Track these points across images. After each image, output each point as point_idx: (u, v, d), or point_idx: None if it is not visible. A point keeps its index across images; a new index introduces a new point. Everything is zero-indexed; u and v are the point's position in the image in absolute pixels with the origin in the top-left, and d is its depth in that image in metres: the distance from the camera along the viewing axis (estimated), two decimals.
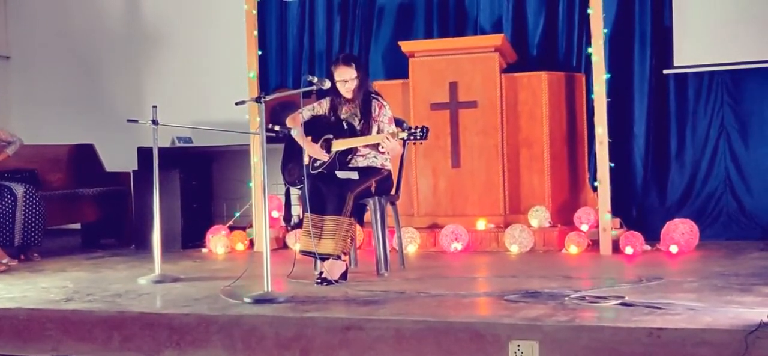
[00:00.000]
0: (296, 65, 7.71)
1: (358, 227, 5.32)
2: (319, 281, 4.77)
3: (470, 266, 5.54)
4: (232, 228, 6.75)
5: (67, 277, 5.43)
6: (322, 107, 5.26)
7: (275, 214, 6.59)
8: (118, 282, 5.15)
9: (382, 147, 4.95)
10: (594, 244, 5.99)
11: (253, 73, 6.65)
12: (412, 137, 4.90)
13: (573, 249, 5.93)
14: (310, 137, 5.16)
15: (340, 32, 7.53)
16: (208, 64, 8.19)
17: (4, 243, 6.05)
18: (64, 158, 7.51)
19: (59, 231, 7.60)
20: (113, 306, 4.33)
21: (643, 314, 3.68)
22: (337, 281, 4.77)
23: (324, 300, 4.32)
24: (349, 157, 5.10)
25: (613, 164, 6.00)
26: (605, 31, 5.97)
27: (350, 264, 5.13)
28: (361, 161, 5.15)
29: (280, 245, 6.64)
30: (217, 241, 6.51)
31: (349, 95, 5.13)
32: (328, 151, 5.10)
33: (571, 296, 4.11)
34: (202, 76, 8.21)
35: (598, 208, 5.95)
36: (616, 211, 6.13)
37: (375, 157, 5.15)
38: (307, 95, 4.96)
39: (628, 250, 5.73)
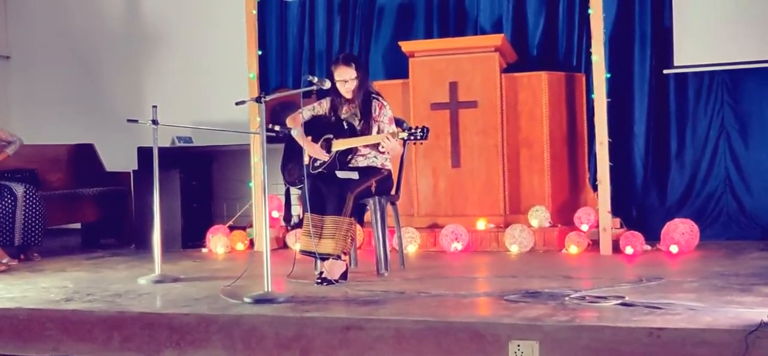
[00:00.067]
0: (296, 65, 7.71)
1: (358, 227, 5.32)
2: (319, 281, 4.77)
3: (470, 266, 5.54)
4: (232, 228, 6.75)
5: (67, 277, 5.43)
6: (322, 106, 5.26)
7: (275, 214, 6.59)
8: (118, 282, 5.15)
9: (382, 147, 4.95)
10: (594, 244, 5.99)
11: (253, 73, 6.65)
12: (412, 137, 4.90)
13: (573, 249, 5.93)
14: (310, 137, 5.16)
15: (340, 32, 7.53)
16: (208, 64, 8.19)
17: (4, 243, 6.05)
18: (64, 158, 7.51)
19: (59, 231, 7.60)
20: (113, 305, 4.33)
21: (643, 314, 3.68)
22: (337, 281, 4.77)
23: (324, 299, 4.32)
24: (349, 157, 5.10)
25: (613, 164, 6.00)
26: (605, 31, 5.97)
27: (350, 264, 5.13)
28: (361, 161, 5.15)
29: (280, 245, 6.64)
30: (217, 241, 6.51)
31: (349, 95, 5.13)
32: (328, 151, 5.10)
33: (572, 296, 4.11)
34: (202, 76, 8.21)
35: (598, 208, 5.95)
36: (616, 211, 6.13)
37: (375, 157, 5.15)
38: (307, 94, 4.96)
39: (629, 250, 5.73)
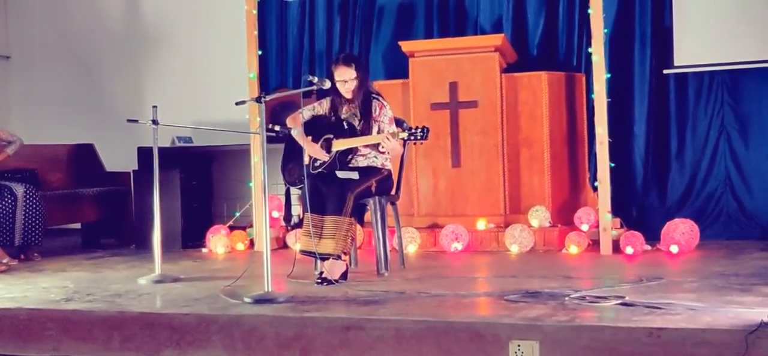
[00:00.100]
0: (296, 65, 7.71)
1: (358, 227, 5.32)
2: (320, 281, 4.77)
3: (470, 266, 5.54)
4: (232, 228, 6.75)
5: (68, 277, 5.43)
6: (322, 106, 5.26)
7: (275, 214, 6.59)
8: (118, 282, 5.15)
9: (383, 147, 4.95)
10: (594, 244, 5.99)
11: (253, 73, 6.65)
12: (412, 137, 4.90)
13: (573, 249, 5.93)
14: (310, 137, 5.16)
15: (340, 32, 7.53)
16: (208, 64, 8.19)
17: (5, 243, 6.05)
18: (64, 158, 7.51)
19: (59, 231, 7.60)
20: (113, 305, 4.33)
21: (644, 314, 3.68)
22: (337, 281, 4.77)
23: (324, 299, 4.32)
24: (350, 157, 5.10)
25: (613, 164, 6.00)
26: (605, 31, 5.97)
27: (350, 264, 5.13)
28: (361, 161, 5.15)
29: (281, 245, 6.64)
30: (218, 241, 6.51)
31: (348, 95, 5.13)
32: (329, 151, 5.10)
33: (572, 296, 4.11)
34: (202, 76, 8.21)
35: (599, 208, 5.95)
36: (616, 211, 6.13)
37: (375, 157, 5.15)
38: (307, 94, 4.97)
39: (629, 250, 5.73)
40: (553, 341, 3.47)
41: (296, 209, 6.03)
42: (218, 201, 7.26)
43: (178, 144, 7.46)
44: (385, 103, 5.16)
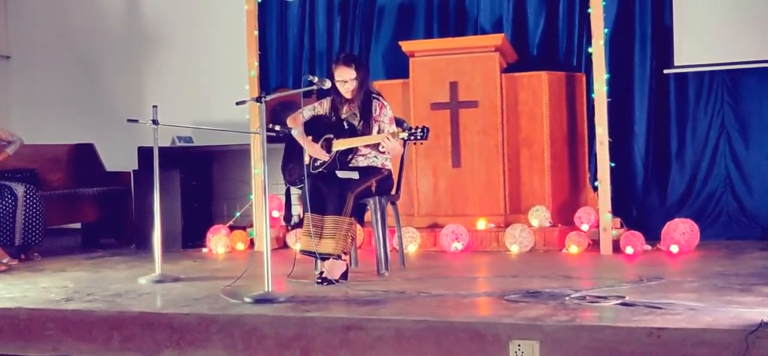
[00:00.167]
0: (296, 65, 7.71)
1: (358, 226, 5.32)
2: (320, 281, 4.77)
3: (471, 266, 5.54)
4: (232, 228, 6.75)
5: (68, 277, 5.43)
6: (322, 106, 5.26)
7: (276, 214, 6.59)
8: (118, 282, 5.15)
9: (383, 147, 4.95)
10: (594, 244, 5.99)
11: (254, 72, 6.65)
12: (412, 137, 4.90)
13: (573, 249, 5.93)
14: (310, 137, 5.16)
15: (340, 32, 7.53)
16: (208, 64, 8.19)
17: (5, 243, 6.05)
18: (64, 158, 7.51)
19: (59, 231, 7.60)
20: (113, 305, 4.33)
21: (644, 314, 3.68)
22: (337, 281, 4.77)
23: (324, 299, 4.32)
24: (350, 157, 5.10)
25: (613, 164, 6.00)
26: (605, 30, 5.97)
27: (350, 264, 5.13)
28: (361, 161, 5.15)
29: (281, 244, 6.64)
30: (218, 241, 6.51)
31: (348, 96, 5.13)
32: (329, 151, 5.10)
33: (572, 296, 4.11)
34: (202, 76, 8.21)
35: (599, 208, 5.95)
36: (616, 211, 6.13)
37: (375, 157, 5.15)
38: (307, 94, 4.97)
39: (629, 250, 5.73)
40: (553, 341, 3.47)
41: (296, 209, 6.02)
42: (218, 201, 7.26)
43: (178, 144, 7.46)
44: (386, 103, 5.16)
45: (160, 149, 5.45)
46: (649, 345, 3.35)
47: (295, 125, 5.19)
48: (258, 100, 4.57)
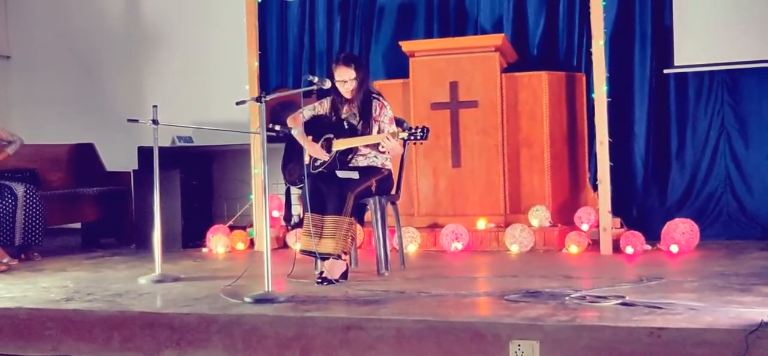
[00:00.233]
0: (296, 65, 7.71)
1: (358, 226, 5.32)
2: (320, 280, 4.77)
3: (471, 265, 5.54)
4: (232, 228, 6.75)
5: (68, 277, 5.43)
6: (322, 106, 5.26)
7: (276, 213, 6.59)
8: (118, 282, 5.15)
9: (383, 147, 4.95)
10: (594, 244, 5.99)
11: (254, 72, 6.65)
12: (412, 137, 4.90)
13: (573, 249, 5.93)
14: (310, 137, 5.16)
15: (340, 32, 7.53)
16: (208, 64, 8.19)
17: (5, 243, 6.05)
18: (64, 158, 7.51)
19: (59, 231, 7.60)
20: (113, 305, 4.33)
21: (644, 314, 3.68)
22: (337, 280, 4.77)
23: (324, 299, 4.32)
24: (350, 156, 5.10)
25: (613, 164, 6.00)
26: (605, 31, 5.97)
27: (350, 264, 5.13)
28: (361, 161, 5.15)
29: (281, 244, 6.64)
30: (218, 241, 6.51)
31: (348, 95, 5.13)
32: (329, 150, 5.11)
33: (572, 295, 4.11)
34: (202, 76, 8.22)
35: (599, 208, 5.95)
36: (616, 211, 6.13)
37: (375, 157, 5.15)
38: (307, 94, 4.97)
39: (629, 250, 5.74)
40: (553, 341, 3.47)
41: (296, 209, 6.03)
42: (218, 201, 7.26)
43: (178, 144, 7.46)
44: (386, 103, 5.16)
45: (160, 149, 5.46)
46: (649, 345, 3.35)
47: (295, 124, 5.19)
48: (258, 100, 4.57)
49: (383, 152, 5.08)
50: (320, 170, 5.11)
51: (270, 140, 4.68)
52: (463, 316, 3.80)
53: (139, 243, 6.80)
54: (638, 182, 6.76)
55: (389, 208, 5.25)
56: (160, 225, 5.31)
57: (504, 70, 6.52)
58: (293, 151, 5.24)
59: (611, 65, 6.47)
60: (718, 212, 6.58)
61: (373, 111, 5.09)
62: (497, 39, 6.40)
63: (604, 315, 3.71)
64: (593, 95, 5.99)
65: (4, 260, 5.88)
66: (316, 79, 4.77)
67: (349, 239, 4.91)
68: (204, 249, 6.63)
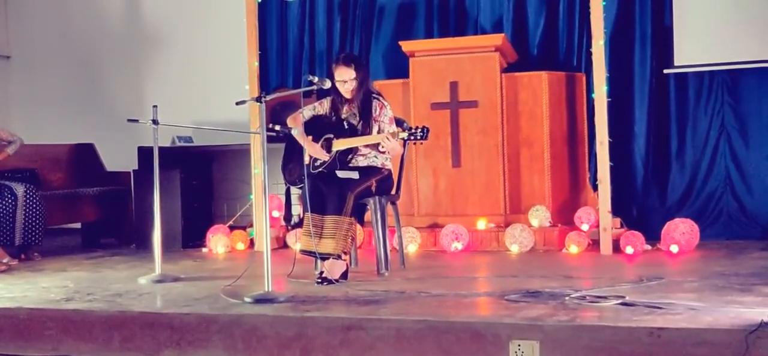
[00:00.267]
0: (296, 65, 7.71)
1: (358, 226, 5.32)
2: (320, 280, 4.77)
3: (471, 265, 5.54)
4: (232, 228, 6.75)
5: (68, 277, 5.43)
6: (323, 106, 5.26)
7: (276, 213, 6.59)
8: (118, 282, 5.15)
9: (383, 147, 4.95)
10: (594, 244, 5.99)
11: (254, 72, 6.65)
12: (412, 138, 4.90)
13: (573, 249, 5.93)
14: (310, 137, 5.16)
15: (340, 32, 7.53)
16: (208, 64, 8.20)
17: (5, 243, 6.05)
18: (64, 158, 7.51)
19: (59, 231, 7.60)
20: (114, 305, 4.33)
21: (644, 314, 3.68)
22: (337, 280, 4.77)
23: (324, 299, 4.32)
24: (350, 156, 5.10)
25: (613, 164, 6.00)
26: (605, 31, 5.97)
27: (350, 264, 5.13)
28: (361, 161, 5.15)
29: (281, 244, 6.64)
30: (218, 241, 6.51)
31: (348, 95, 5.13)
32: (329, 150, 5.11)
33: (572, 295, 4.11)
34: (202, 76, 8.22)
35: (599, 208, 5.95)
36: (616, 211, 6.13)
37: (375, 157, 5.15)
38: (307, 94, 4.97)
39: (629, 250, 5.74)
40: (553, 341, 3.47)
41: (296, 209, 6.03)
42: (218, 201, 7.26)
43: (178, 144, 7.46)
44: (386, 103, 5.16)
45: (160, 149, 5.46)
46: (649, 345, 3.35)
47: (296, 124, 5.19)
48: (258, 100, 4.57)
49: (383, 152, 5.08)
50: (320, 170, 5.11)
51: (270, 140, 4.68)
52: (463, 316, 3.80)
53: (139, 243, 6.80)
54: (638, 182, 6.76)
55: (389, 208, 5.25)
56: (160, 225, 5.31)
57: (504, 70, 6.52)
58: (293, 151, 5.24)
59: (611, 65, 6.47)
60: (718, 212, 6.58)
61: (373, 111, 5.10)
62: (497, 39, 6.40)
63: (604, 315, 3.71)
64: (593, 95, 5.99)
65: (4, 260, 5.88)
66: (316, 79, 4.77)
67: (349, 239, 4.91)
68: (204, 249, 6.63)
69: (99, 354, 4.10)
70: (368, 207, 5.16)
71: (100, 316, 4.17)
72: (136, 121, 5.59)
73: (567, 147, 6.58)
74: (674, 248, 5.77)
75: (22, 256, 6.22)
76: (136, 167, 7.32)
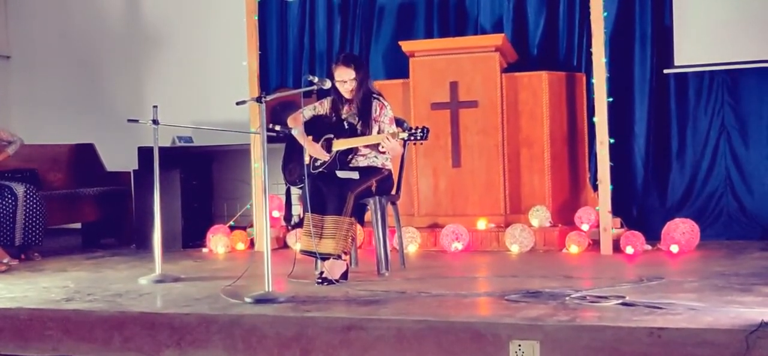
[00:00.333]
0: (296, 65, 7.71)
1: (358, 226, 5.32)
2: (320, 281, 4.77)
3: (471, 266, 5.54)
4: (232, 228, 6.75)
5: (68, 277, 5.43)
6: (323, 106, 5.26)
7: (276, 214, 6.59)
8: (118, 282, 5.15)
9: (383, 147, 4.95)
10: (594, 244, 5.99)
11: (254, 72, 6.65)
12: (412, 138, 4.89)
13: (573, 249, 5.93)
14: (310, 137, 5.16)
15: (340, 32, 7.53)
16: (208, 64, 8.20)
17: (5, 243, 6.05)
18: (64, 158, 7.52)
19: (60, 231, 7.60)
20: (114, 305, 4.33)
21: (644, 314, 3.68)
22: (337, 280, 4.77)
23: (325, 299, 4.32)
24: (350, 157, 5.10)
25: (613, 164, 6.00)
26: (606, 31, 5.97)
27: (351, 264, 5.13)
28: (361, 161, 5.15)
29: (281, 244, 6.64)
30: (218, 241, 6.51)
31: (348, 96, 5.13)
32: (329, 151, 5.11)
33: (572, 296, 4.11)
34: (202, 76, 8.22)
35: (599, 208, 5.95)
36: (616, 211, 6.13)
37: (375, 157, 5.15)
38: (307, 94, 4.97)
39: (629, 250, 5.74)
40: (553, 341, 3.47)
41: (296, 209, 6.03)
42: (218, 201, 7.26)
43: (178, 144, 7.46)
44: (386, 103, 5.16)
45: (161, 149, 5.45)
46: (649, 345, 3.35)
47: (296, 124, 5.19)
48: (258, 100, 4.57)
49: (383, 152, 5.08)
50: (320, 170, 5.11)
51: (270, 140, 4.68)
52: (463, 316, 3.80)
53: (140, 243, 6.80)
54: (638, 182, 6.76)
55: (389, 208, 5.25)
56: (160, 225, 5.31)
57: (504, 70, 6.52)
58: (293, 151, 5.24)
59: (611, 65, 6.46)
60: (719, 212, 6.58)
61: (373, 111, 5.10)
62: (497, 39, 6.40)
63: (605, 315, 3.71)
64: (593, 95, 5.99)
65: (5, 261, 5.88)
66: (316, 80, 4.77)
67: (350, 240, 4.91)
68: (204, 249, 6.63)
69: (99, 355, 4.10)
70: (368, 207, 5.16)
71: (100, 316, 4.17)
72: (136, 121, 5.59)
73: (567, 147, 6.59)
74: (674, 248, 5.77)
75: (23, 256, 6.22)
76: (136, 167, 7.32)
